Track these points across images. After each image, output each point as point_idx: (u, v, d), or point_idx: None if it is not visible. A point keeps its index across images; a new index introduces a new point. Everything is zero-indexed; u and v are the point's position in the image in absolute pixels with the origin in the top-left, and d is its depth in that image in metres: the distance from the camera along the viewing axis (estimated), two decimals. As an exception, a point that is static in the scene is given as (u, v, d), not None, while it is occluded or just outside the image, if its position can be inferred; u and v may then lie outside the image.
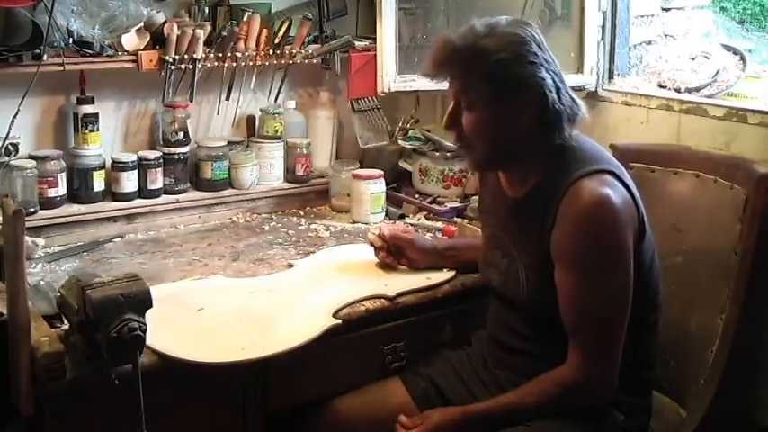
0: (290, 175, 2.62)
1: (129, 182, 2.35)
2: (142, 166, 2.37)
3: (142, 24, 2.24)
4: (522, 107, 1.62)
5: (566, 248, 1.59)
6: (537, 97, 1.61)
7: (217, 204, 2.50)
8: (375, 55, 2.45)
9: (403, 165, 2.70)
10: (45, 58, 2.07)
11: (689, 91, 2.40)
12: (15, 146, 2.19)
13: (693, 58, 2.52)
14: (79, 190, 2.31)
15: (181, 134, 2.42)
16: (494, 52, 1.60)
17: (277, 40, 2.43)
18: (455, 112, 1.68)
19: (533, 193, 1.68)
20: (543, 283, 1.63)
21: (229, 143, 2.53)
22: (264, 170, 2.57)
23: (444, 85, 1.72)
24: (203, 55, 2.32)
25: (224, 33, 2.33)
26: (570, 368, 1.60)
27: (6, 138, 2.14)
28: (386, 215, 2.51)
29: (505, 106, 1.62)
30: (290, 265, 2.10)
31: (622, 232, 1.58)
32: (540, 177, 1.67)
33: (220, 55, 2.35)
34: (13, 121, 2.09)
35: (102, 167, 2.33)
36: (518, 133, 1.64)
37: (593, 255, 1.57)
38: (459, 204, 2.53)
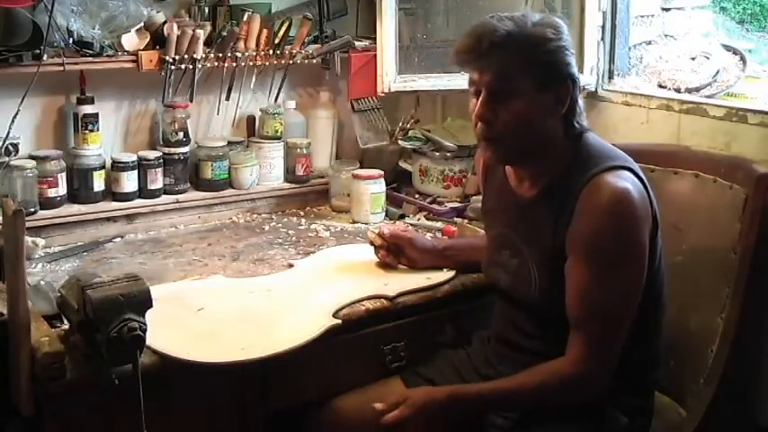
0: (290, 175, 2.62)
1: (129, 182, 2.35)
2: (142, 166, 2.37)
3: (142, 24, 2.24)
4: (559, 97, 1.63)
5: (583, 241, 1.58)
6: (571, 88, 1.63)
7: (217, 204, 2.50)
8: (375, 55, 2.45)
9: (403, 165, 2.70)
10: (45, 58, 2.07)
11: (689, 91, 2.40)
12: (15, 146, 2.19)
13: (693, 58, 2.52)
14: (79, 190, 2.31)
15: (181, 134, 2.42)
16: (549, 40, 1.60)
17: (277, 40, 2.43)
18: (489, 102, 1.62)
19: (547, 191, 1.67)
20: (556, 281, 1.63)
21: (229, 143, 2.53)
22: (264, 170, 2.57)
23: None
24: (203, 55, 2.32)
25: (224, 33, 2.33)
26: (571, 362, 1.59)
27: (6, 138, 2.14)
28: (386, 215, 2.51)
29: (547, 97, 1.62)
30: (290, 265, 2.10)
31: (640, 228, 1.58)
32: (554, 175, 1.66)
33: (220, 55, 2.35)
34: (13, 121, 2.08)
35: (102, 167, 2.33)
36: (550, 126, 1.65)
37: (611, 249, 1.57)
38: (460, 204, 2.53)
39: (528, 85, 1.60)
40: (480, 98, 1.63)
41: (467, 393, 1.66)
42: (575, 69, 1.64)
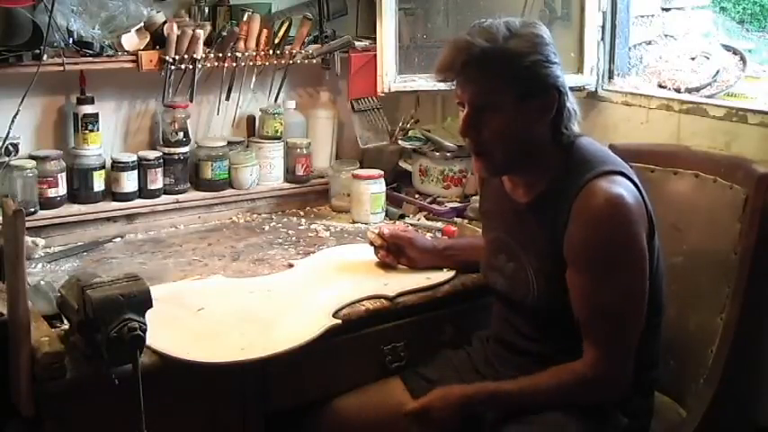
0: (290, 175, 2.62)
1: (129, 182, 2.35)
2: (142, 166, 2.37)
3: (142, 24, 2.24)
4: (544, 108, 1.63)
5: (581, 249, 1.59)
6: (557, 97, 1.62)
7: (217, 204, 2.50)
8: (375, 55, 2.45)
9: (403, 165, 2.70)
10: (45, 58, 2.07)
11: (689, 91, 2.40)
12: (15, 146, 2.19)
13: (693, 58, 2.51)
14: (79, 190, 2.31)
15: (181, 134, 2.42)
16: (525, 54, 1.59)
17: (277, 40, 2.43)
18: (472, 118, 1.63)
19: (543, 197, 1.67)
20: (554, 285, 1.63)
21: (229, 143, 2.53)
22: (264, 170, 2.57)
23: (444, 86, 1.70)
24: (203, 55, 2.32)
25: (224, 33, 2.33)
26: (589, 363, 1.59)
27: (6, 138, 2.14)
28: (386, 215, 2.51)
29: (530, 108, 1.61)
30: (290, 265, 2.10)
31: (637, 231, 1.58)
32: (549, 180, 1.66)
33: (220, 55, 2.35)
34: (13, 121, 2.09)
35: (102, 167, 2.33)
36: (537, 135, 1.64)
37: (609, 254, 1.57)
38: (459, 204, 2.53)
39: (508, 100, 1.60)
40: (463, 114, 1.65)
41: (483, 391, 1.67)
42: (559, 79, 1.62)
